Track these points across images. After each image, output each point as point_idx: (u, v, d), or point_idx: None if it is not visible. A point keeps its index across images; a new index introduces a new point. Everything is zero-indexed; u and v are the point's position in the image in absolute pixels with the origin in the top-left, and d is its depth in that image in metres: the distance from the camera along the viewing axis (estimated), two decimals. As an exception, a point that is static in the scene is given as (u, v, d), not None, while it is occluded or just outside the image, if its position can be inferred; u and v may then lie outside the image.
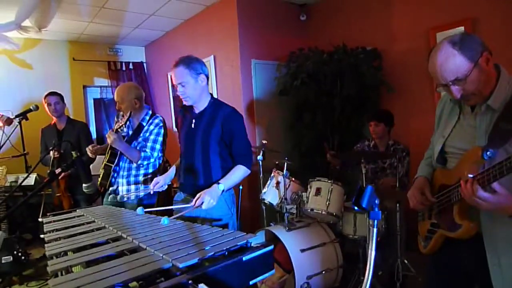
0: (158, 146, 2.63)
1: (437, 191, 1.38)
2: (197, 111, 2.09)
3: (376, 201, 0.69)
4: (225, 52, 4.21)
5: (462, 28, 3.19)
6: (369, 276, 0.64)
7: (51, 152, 3.17)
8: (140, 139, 2.64)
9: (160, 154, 2.67)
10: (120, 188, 2.65)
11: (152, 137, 2.63)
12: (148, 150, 2.60)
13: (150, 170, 2.69)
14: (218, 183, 1.98)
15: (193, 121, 2.08)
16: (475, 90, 1.20)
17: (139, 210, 1.83)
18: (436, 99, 3.26)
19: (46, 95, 3.53)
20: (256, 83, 4.12)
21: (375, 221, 0.70)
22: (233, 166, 2.08)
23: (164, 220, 1.60)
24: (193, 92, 2.00)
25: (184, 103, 2.05)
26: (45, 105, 3.50)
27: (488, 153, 1.12)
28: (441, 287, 1.43)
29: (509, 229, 1.18)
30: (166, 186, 2.23)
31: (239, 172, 2.05)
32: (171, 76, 2.00)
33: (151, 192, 2.11)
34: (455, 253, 1.35)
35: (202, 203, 1.88)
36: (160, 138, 2.65)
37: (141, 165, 2.61)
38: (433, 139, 1.57)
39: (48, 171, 1.61)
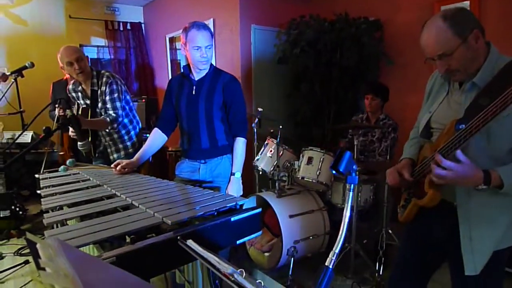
0: (118, 104, 2.57)
1: (419, 164, 1.42)
2: (197, 78, 2.10)
3: (354, 167, 0.72)
4: (225, 16, 4.12)
5: (467, 3, 3.13)
6: (342, 235, 0.69)
7: (57, 109, 3.15)
8: (100, 105, 2.60)
9: (126, 107, 2.64)
10: (109, 150, 2.71)
11: (107, 97, 2.56)
12: (111, 112, 2.55)
13: (123, 131, 2.68)
14: (233, 174, 2.11)
15: (194, 87, 2.09)
16: (460, 66, 1.21)
17: (62, 168, 2.09)
18: (434, 74, 3.26)
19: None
20: (255, 49, 4.07)
21: (352, 185, 0.74)
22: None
23: (64, 167, 2.07)
24: (211, 57, 2.05)
25: (202, 67, 2.04)
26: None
27: (460, 126, 1.14)
28: (413, 255, 1.49)
29: (482, 203, 1.23)
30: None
31: (242, 148, 2.13)
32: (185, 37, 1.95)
33: (114, 172, 1.97)
34: (428, 224, 1.40)
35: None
36: (116, 95, 2.57)
37: (117, 129, 2.61)
38: (420, 115, 1.59)
39: (43, 128, 1.62)
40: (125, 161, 2.00)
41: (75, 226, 1.11)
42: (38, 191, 1.65)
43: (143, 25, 5.84)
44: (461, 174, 1.12)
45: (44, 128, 1.61)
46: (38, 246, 0.45)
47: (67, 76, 3.54)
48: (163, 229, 1.16)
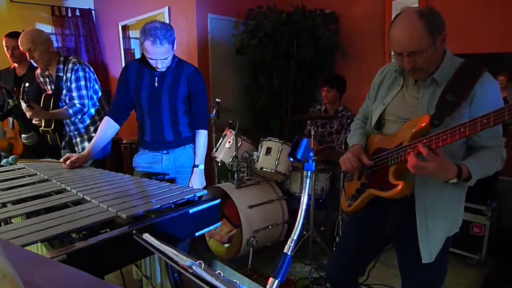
0: (84, 92, 2.44)
1: (372, 155, 1.44)
2: (159, 70, 2.02)
3: (311, 154, 0.73)
4: (181, 4, 4.01)
5: (416, -1, 3.28)
6: (300, 221, 0.70)
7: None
8: (64, 92, 2.46)
9: (94, 97, 2.53)
10: (74, 141, 2.57)
11: (73, 85, 2.43)
12: (76, 102, 2.42)
13: (88, 122, 2.55)
14: (197, 166, 2.11)
15: (156, 79, 2.01)
16: (424, 66, 1.23)
17: (5, 161, 1.97)
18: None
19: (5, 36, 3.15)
20: (212, 39, 4.00)
21: (309, 172, 0.75)
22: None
23: (6, 161, 1.96)
24: (170, 60, 1.98)
25: (160, 70, 1.97)
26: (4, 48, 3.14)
27: (435, 121, 1.18)
28: (355, 241, 1.54)
29: (437, 193, 1.29)
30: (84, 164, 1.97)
31: (203, 140, 2.13)
32: (153, 48, 1.81)
33: (64, 166, 1.85)
34: (381, 214, 1.43)
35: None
36: (82, 83, 2.44)
37: (81, 118, 2.49)
38: (365, 106, 1.63)
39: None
40: (75, 155, 1.89)
41: (20, 224, 1.04)
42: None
43: (93, 11, 5.53)
44: (441, 167, 1.13)
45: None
46: (-27, 246, 0.41)
47: (15, 65, 3.28)
48: (118, 224, 1.11)
